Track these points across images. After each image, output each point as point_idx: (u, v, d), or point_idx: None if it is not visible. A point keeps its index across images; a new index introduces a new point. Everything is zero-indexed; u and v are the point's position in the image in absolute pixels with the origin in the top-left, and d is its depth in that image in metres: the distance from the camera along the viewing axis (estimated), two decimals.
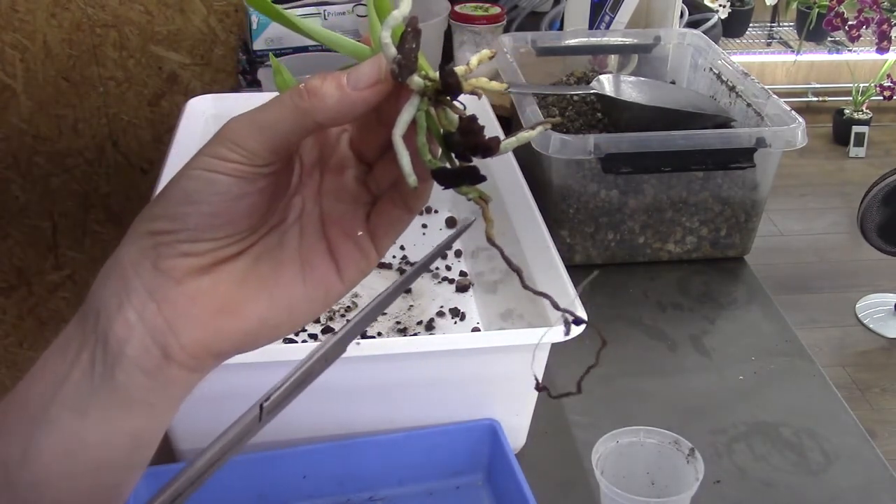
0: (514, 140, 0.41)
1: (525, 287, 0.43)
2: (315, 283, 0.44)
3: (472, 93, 0.41)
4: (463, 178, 0.40)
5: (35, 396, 0.42)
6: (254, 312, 0.42)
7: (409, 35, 0.39)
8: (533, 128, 0.42)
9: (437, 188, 0.43)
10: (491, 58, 0.43)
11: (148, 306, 0.40)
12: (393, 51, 0.39)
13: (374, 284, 0.99)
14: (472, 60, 0.41)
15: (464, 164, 0.41)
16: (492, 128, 1.00)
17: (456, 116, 0.40)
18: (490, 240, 0.42)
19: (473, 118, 0.40)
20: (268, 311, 0.43)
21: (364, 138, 0.44)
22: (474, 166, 0.40)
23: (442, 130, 0.41)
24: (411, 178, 0.39)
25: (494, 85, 0.42)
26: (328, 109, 0.39)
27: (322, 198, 0.44)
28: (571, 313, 0.44)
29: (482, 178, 0.40)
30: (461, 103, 0.40)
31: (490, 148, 0.40)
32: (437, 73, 0.39)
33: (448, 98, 0.40)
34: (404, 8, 0.39)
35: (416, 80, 0.39)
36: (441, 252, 0.47)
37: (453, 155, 0.41)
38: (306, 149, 0.44)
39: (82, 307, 0.42)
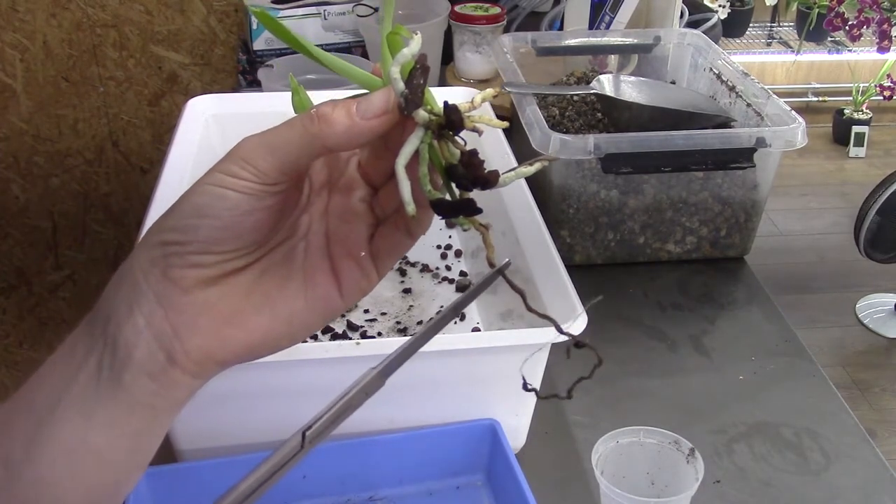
0: (512, 174, 0.43)
1: (529, 310, 0.45)
2: (316, 299, 0.45)
3: (473, 129, 0.42)
4: (460, 210, 0.42)
5: (41, 397, 0.43)
6: (257, 324, 0.44)
7: (418, 72, 0.41)
8: (532, 163, 0.44)
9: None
10: (495, 96, 0.45)
11: (156, 312, 0.42)
12: (401, 85, 0.41)
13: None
14: (475, 98, 0.43)
15: (462, 197, 0.43)
16: (499, 145, 1.00)
17: (457, 150, 0.42)
18: (491, 263, 0.45)
19: (474, 152, 0.42)
20: (270, 323, 0.44)
21: (372, 163, 0.46)
22: (471, 199, 0.43)
23: (444, 162, 0.42)
24: (410, 207, 0.41)
25: (496, 122, 0.44)
26: (337, 135, 0.41)
27: (328, 217, 0.46)
28: (570, 335, 0.46)
29: (478, 211, 0.42)
30: (462, 138, 0.42)
31: (489, 181, 0.42)
32: (442, 109, 0.41)
33: (450, 133, 0.42)
34: (414, 46, 0.42)
35: (422, 115, 0.41)
36: (479, 292, 0.48)
37: (454, 186, 0.43)
38: (316, 169, 0.46)
39: (92, 312, 0.43)
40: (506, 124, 0.45)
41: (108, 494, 0.45)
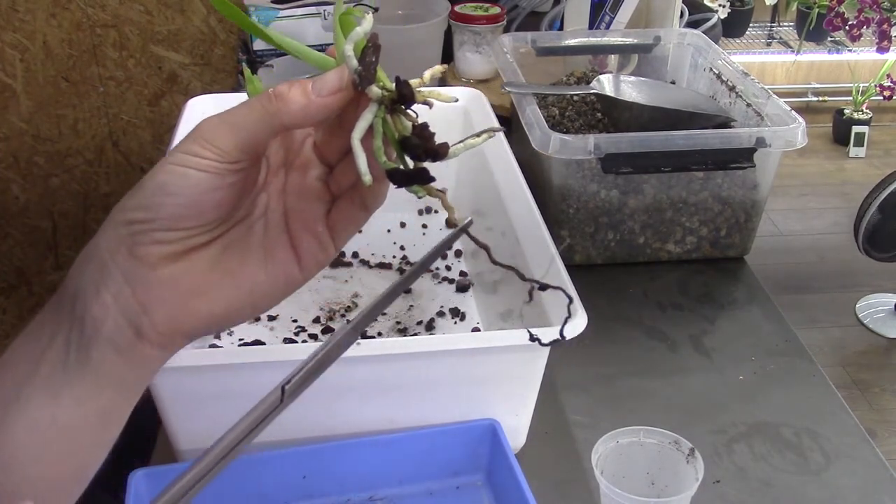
0: (461, 146, 0.46)
1: (494, 262, 0.47)
2: (277, 272, 0.47)
3: (424, 102, 0.45)
4: (415, 179, 0.45)
5: (7, 381, 0.44)
6: (221, 296, 0.46)
7: (370, 49, 0.43)
8: (479, 135, 0.47)
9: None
10: (443, 73, 0.46)
11: (123, 289, 0.43)
12: (355, 63, 0.43)
13: (374, 284, 0.99)
14: (425, 74, 0.46)
15: (416, 166, 0.45)
16: (499, 145, 1.00)
17: (409, 123, 0.45)
18: (453, 224, 0.48)
19: (425, 125, 0.44)
20: (233, 295, 0.46)
21: (327, 141, 0.48)
22: (425, 168, 0.45)
23: (397, 135, 0.45)
24: (367, 178, 0.43)
25: (445, 96, 0.46)
26: (294, 113, 0.43)
27: (286, 195, 0.48)
28: (534, 282, 0.49)
29: (431, 179, 0.45)
30: (414, 111, 0.45)
31: (439, 153, 0.44)
32: (394, 84, 0.44)
33: (402, 107, 0.44)
34: (366, 25, 0.44)
35: (375, 90, 0.44)
36: (444, 249, 0.50)
37: (407, 158, 0.45)
38: (272, 150, 0.48)
39: (57, 294, 0.45)
40: (456, 98, 0.48)
41: (76, 474, 0.46)
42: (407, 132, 0.45)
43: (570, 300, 0.60)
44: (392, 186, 0.46)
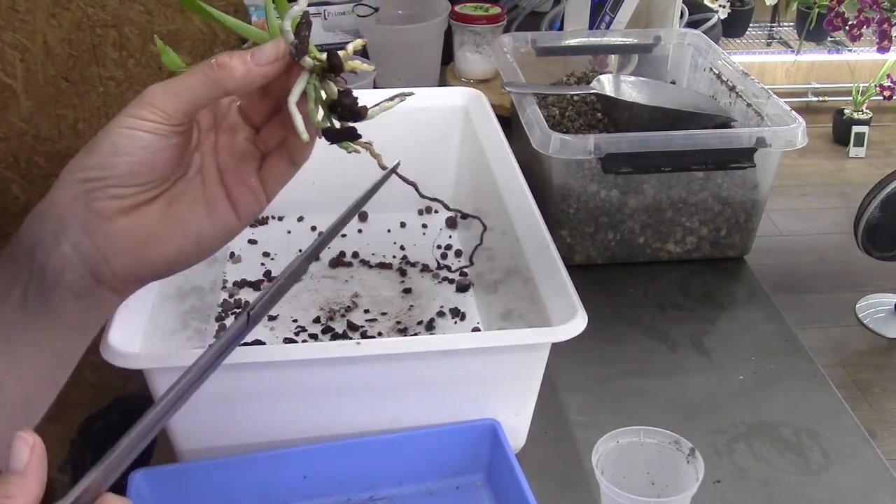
0: (377, 108, 0.53)
1: (422, 196, 0.62)
2: (218, 222, 0.53)
3: (352, 71, 0.53)
4: (345, 136, 0.52)
5: None
6: (171, 244, 0.52)
7: (304, 25, 0.50)
8: (392, 99, 0.54)
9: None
10: (364, 45, 0.54)
11: (82, 240, 0.49)
12: (291, 36, 0.50)
13: (374, 284, 0.99)
14: (348, 47, 0.53)
15: (343, 125, 0.52)
16: (499, 145, 1.00)
17: (336, 89, 0.51)
18: (382, 166, 0.57)
19: (349, 91, 0.52)
20: (182, 242, 0.52)
21: (252, 107, 0.55)
22: (353, 127, 0.52)
23: (326, 99, 0.52)
24: (305, 135, 0.50)
25: (366, 66, 0.55)
26: (236, 80, 0.49)
27: (218, 155, 0.54)
28: (459, 211, 0.61)
29: (359, 136, 0.53)
30: (343, 79, 0.52)
31: (360, 114, 0.52)
32: (324, 56, 0.51)
33: (332, 75, 0.51)
34: (302, 3, 0.50)
35: (308, 60, 0.50)
36: (377, 188, 0.60)
37: (334, 118, 0.52)
38: (202, 115, 0.54)
39: (8, 251, 0.49)
40: (372, 67, 0.54)
41: (28, 418, 0.50)
42: (334, 96, 0.51)
43: (485, 228, 0.77)
44: (326, 142, 0.53)
